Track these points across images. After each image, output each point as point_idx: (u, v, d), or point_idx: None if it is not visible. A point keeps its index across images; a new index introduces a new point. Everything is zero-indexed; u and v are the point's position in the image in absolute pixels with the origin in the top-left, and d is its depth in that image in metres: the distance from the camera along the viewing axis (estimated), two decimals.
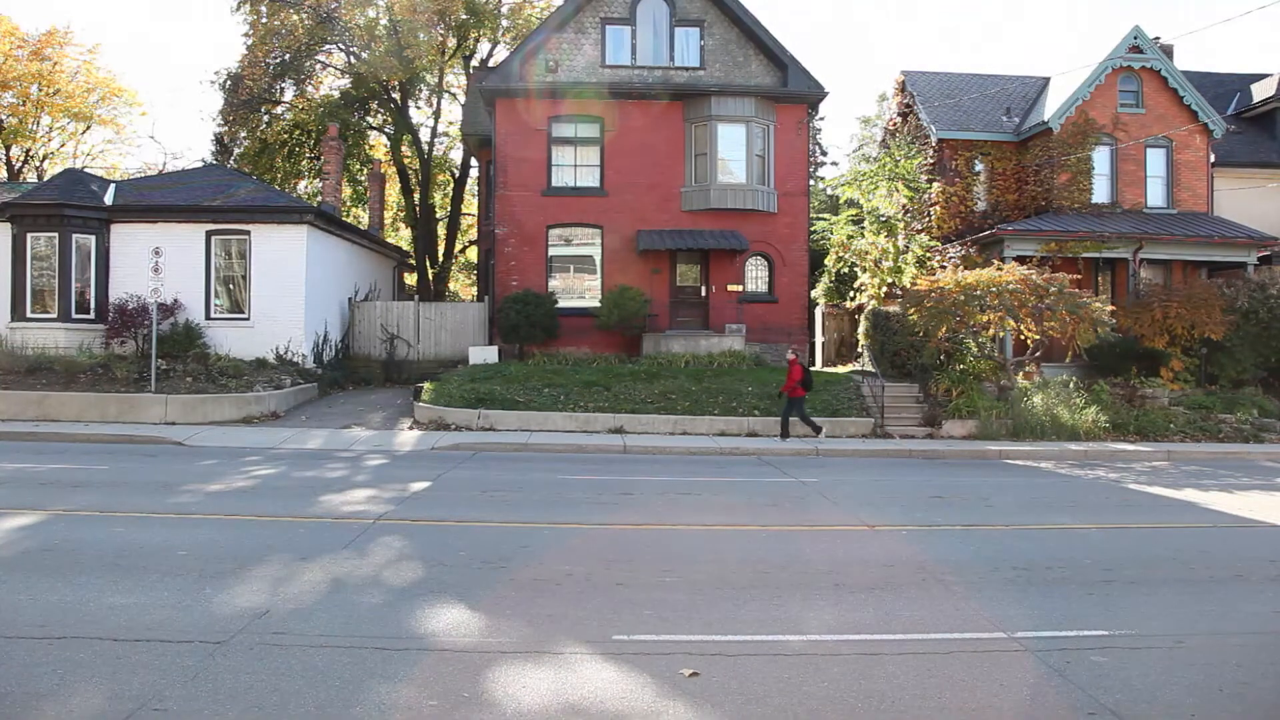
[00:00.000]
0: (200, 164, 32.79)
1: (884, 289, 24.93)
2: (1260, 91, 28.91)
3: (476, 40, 36.54)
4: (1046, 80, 27.68)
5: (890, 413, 18.98)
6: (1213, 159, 25.81)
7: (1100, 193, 25.14)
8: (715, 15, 23.50)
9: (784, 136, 23.70)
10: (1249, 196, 26.22)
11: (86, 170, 30.96)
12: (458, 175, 39.25)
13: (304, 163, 36.73)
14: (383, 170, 33.63)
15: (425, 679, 4.97)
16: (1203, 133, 25.15)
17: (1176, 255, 23.93)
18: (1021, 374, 20.57)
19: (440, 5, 31.50)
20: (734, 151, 23.13)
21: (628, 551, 8.10)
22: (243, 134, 35.05)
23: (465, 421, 17.53)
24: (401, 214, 40.81)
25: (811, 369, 24.26)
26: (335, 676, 4.95)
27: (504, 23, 35.74)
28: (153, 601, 6.19)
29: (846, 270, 27.56)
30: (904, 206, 26.62)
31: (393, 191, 37.50)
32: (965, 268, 20.85)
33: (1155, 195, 25.36)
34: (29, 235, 19.58)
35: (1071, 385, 19.39)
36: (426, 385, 19.46)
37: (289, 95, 36.03)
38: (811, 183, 32.91)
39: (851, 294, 27.09)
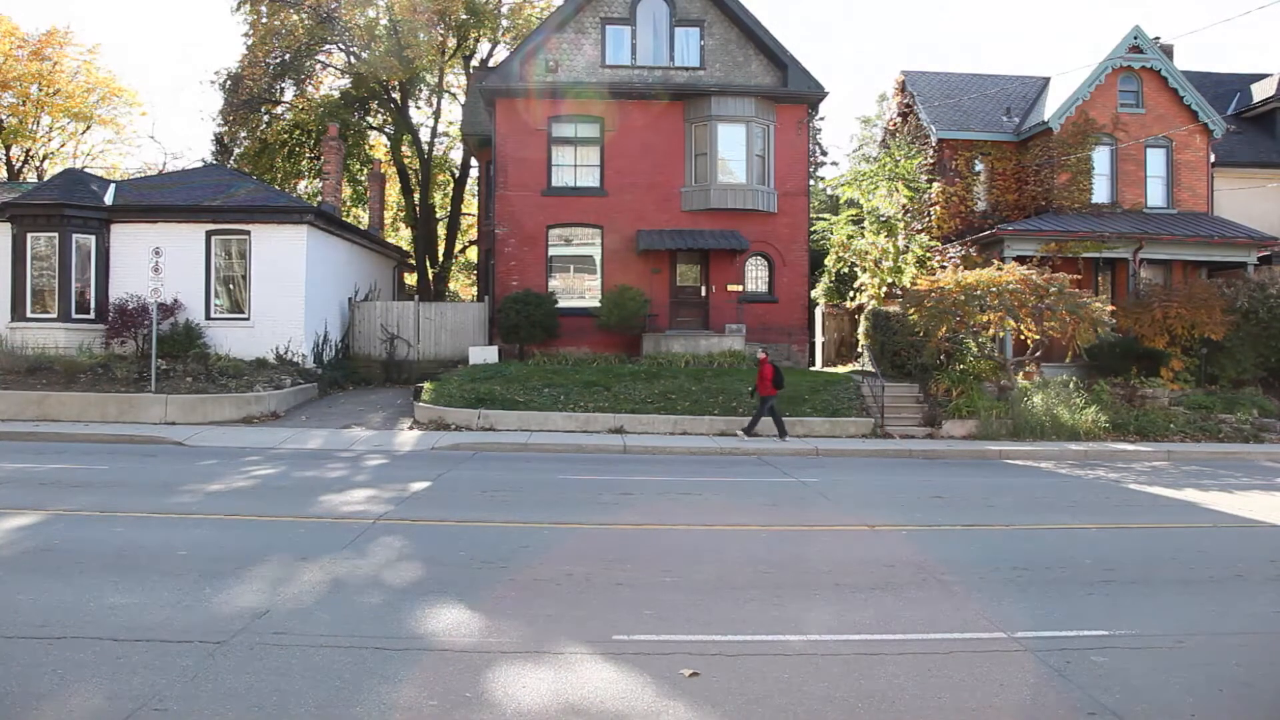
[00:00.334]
0: (200, 164, 32.81)
1: (884, 289, 24.93)
2: (1260, 91, 28.91)
3: (476, 40, 36.55)
4: (1046, 80, 27.68)
5: (890, 413, 18.98)
6: (1213, 159, 25.81)
7: (1100, 193, 25.14)
8: (715, 15, 23.50)
9: (784, 136, 23.71)
10: (1249, 196, 26.22)
11: (86, 170, 30.96)
12: (458, 175, 39.25)
13: (304, 163, 36.74)
14: (383, 170, 33.63)
15: (425, 679, 4.97)
16: (1203, 133, 25.15)
17: (1176, 255, 23.92)
18: (1021, 374, 20.57)
19: (440, 5, 31.51)
20: (734, 151, 23.14)
21: (628, 551, 8.09)
22: (243, 134, 35.06)
23: (465, 421, 17.53)
24: (401, 214, 40.81)
25: (811, 369, 24.33)
26: (335, 676, 4.95)
27: (504, 23, 35.75)
28: (153, 601, 6.19)
29: (846, 270, 27.57)
30: (904, 206, 26.61)
31: (393, 191, 37.50)
32: (965, 268, 20.85)
33: (1155, 195, 25.36)
34: (29, 235, 19.57)
35: (1071, 385, 19.39)
36: (426, 385, 19.46)
37: (289, 95, 36.06)
38: (811, 183, 32.91)
39: (851, 294, 27.09)
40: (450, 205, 39.17)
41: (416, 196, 37.56)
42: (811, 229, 26.94)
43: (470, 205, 40.03)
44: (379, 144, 39.97)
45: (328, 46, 35.24)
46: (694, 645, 5.63)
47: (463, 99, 34.93)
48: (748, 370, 20.65)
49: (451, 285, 43.20)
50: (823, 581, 7.25)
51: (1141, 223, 24.20)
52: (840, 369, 24.36)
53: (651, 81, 23.27)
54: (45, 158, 39.64)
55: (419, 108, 38.61)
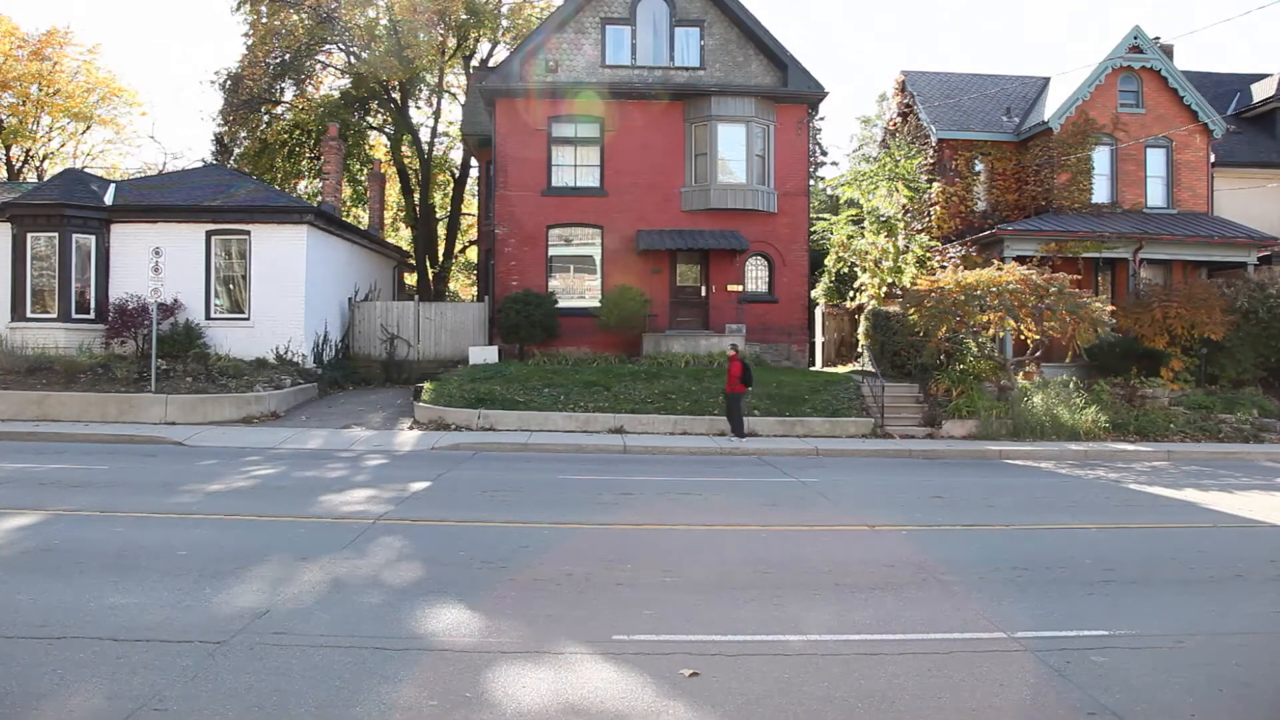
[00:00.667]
0: (200, 164, 32.81)
1: (884, 289, 24.93)
2: (1260, 91, 28.91)
3: (476, 40, 36.55)
4: (1046, 80, 27.68)
5: (890, 413, 18.98)
6: (1213, 159, 25.81)
7: (1100, 193, 25.14)
8: (715, 15, 23.50)
9: (784, 136, 23.71)
10: (1249, 196, 26.22)
11: (86, 170, 30.96)
12: (458, 175, 39.25)
13: (304, 163, 36.73)
14: (383, 170, 33.63)
15: (425, 679, 4.97)
16: (1203, 133, 25.15)
17: (1176, 255, 23.92)
18: (1021, 374, 20.57)
19: (440, 5, 31.50)
20: (734, 151, 23.13)
21: (628, 551, 8.09)
22: (243, 134, 35.06)
23: (465, 421, 17.53)
24: (401, 214, 40.81)
25: (811, 369, 24.34)
26: (335, 676, 4.95)
27: (504, 23, 35.74)
28: (152, 601, 6.19)
29: (846, 270, 27.57)
30: (904, 206, 26.62)
31: (393, 191, 37.50)
32: (965, 268, 20.85)
33: (1155, 195, 25.35)
34: (29, 235, 19.57)
35: (1071, 385, 19.39)
36: (426, 385, 19.46)
37: (289, 95, 36.05)
38: (811, 183, 32.91)
39: (851, 294, 27.09)
40: (450, 205, 39.17)
41: (416, 196, 37.55)
42: (811, 229, 26.95)
43: (470, 205, 40.03)
44: (379, 144, 39.97)
45: (328, 46, 35.25)
46: (694, 645, 5.63)
47: (463, 99, 34.93)
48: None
49: (451, 285, 43.20)
50: (823, 581, 7.25)
51: (1141, 223, 24.20)
52: (840, 369, 24.37)
53: (651, 81, 23.27)
54: (45, 158, 39.64)
55: (419, 108, 38.66)
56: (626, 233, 23.18)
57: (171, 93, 68.78)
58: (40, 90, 36.48)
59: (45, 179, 30.75)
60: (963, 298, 18.85)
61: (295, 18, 33.63)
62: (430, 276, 36.69)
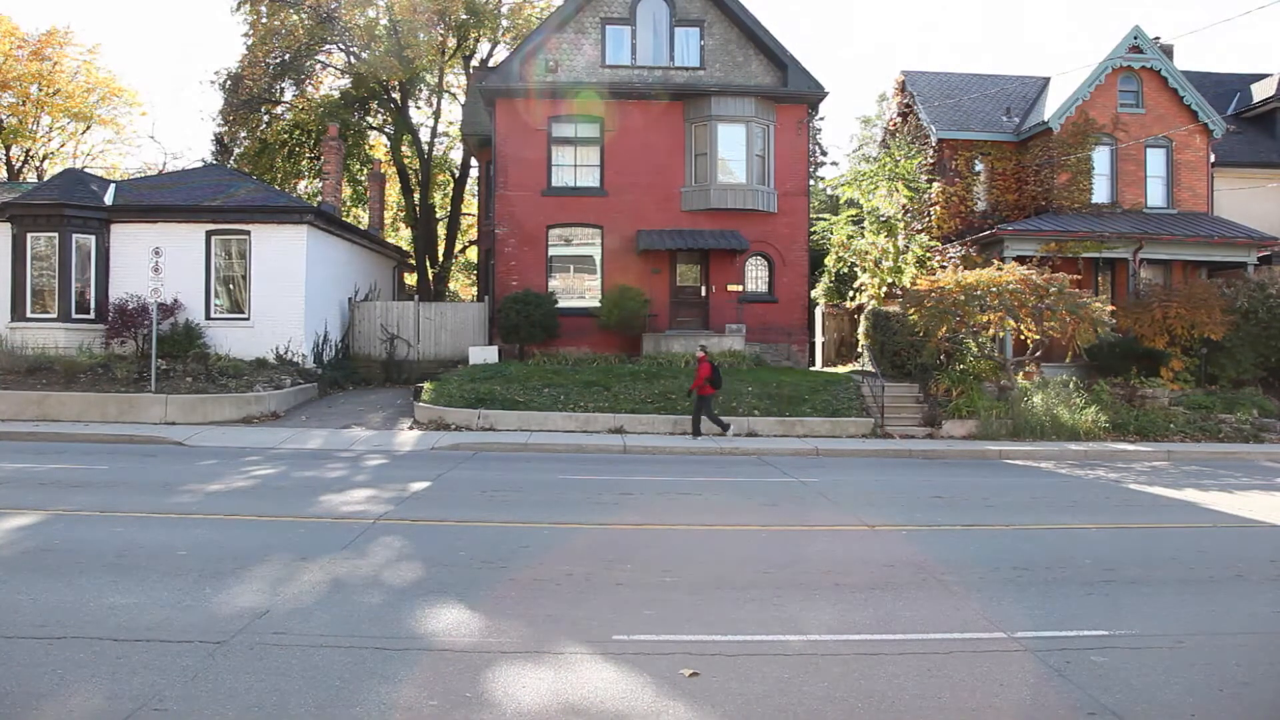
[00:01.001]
0: (200, 164, 32.80)
1: (884, 289, 24.93)
2: (1260, 91, 28.92)
3: (476, 40, 36.54)
4: (1046, 80, 27.68)
5: (890, 413, 18.98)
6: (1213, 159, 25.81)
7: (1100, 193, 25.14)
8: (715, 15, 23.50)
9: (784, 136, 23.71)
10: (1249, 196, 26.22)
11: (86, 170, 30.96)
12: (458, 175, 39.25)
13: (304, 163, 36.73)
14: (383, 170, 33.63)
15: (425, 679, 4.97)
16: (1203, 133, 25.15)
17: (1176, 255, 23.92)
18: (1021, 374, 20.56)
19: (440, 5, 31.50)
20: (734, 151, 23.14)
21: (628, 552, 8.09)
22: (243, 134, 35.06)
23: (465, 421, 17.53)
24: (401, 214, 40.81)
25: (811, 369, 24.33)
26: (335, 676, 4.95)
27: (504, 23, 35.74)
28: (152, 601, 6.19)
29: (846, 270, 27.57)
30: (904, 206, 26.61)
31: (393, 191, 37.50)
32: (965, 268, 20.85)
33: (1155, 195, 25.35)
34: (29, 235, 19.57)
35: (1071, 385, 19.38)
36: (426, 385, 19.46)
37: (289, 95, 36.05)
38: (811, 183, 32.91)
39: (851, 294, 27.09)
40: (450, 205, 39.17)
41: (416, 196, 37.55)
42: (811, 229, 26.95)
43: (470, 205, 40.03)
44: (379, 144, 39.96)
45: (328, 46, 35.25)
46: (694, 645, 5.63)
47: (463, 99, 34.93)
48: (748, 370, 20.68)
49: (451, 285, 43.20)
50: (822, 581, 7.25)
51: (1141, 223, 24.20)
52: (840, 369, 24.36)
53: (651, 81, 23.27)
54: (45, 158, 39.64)
55: (419, 108, 38.65)
56: (626, 233, 23.18)
57: (171, 93, 68.84)
58: (40, 90, 36.48)
59: (45, 179, 30.75)
60: (963, 298, 18.85)
61: (295, 18, 33.63)
62: (430, 276, 36.69)
